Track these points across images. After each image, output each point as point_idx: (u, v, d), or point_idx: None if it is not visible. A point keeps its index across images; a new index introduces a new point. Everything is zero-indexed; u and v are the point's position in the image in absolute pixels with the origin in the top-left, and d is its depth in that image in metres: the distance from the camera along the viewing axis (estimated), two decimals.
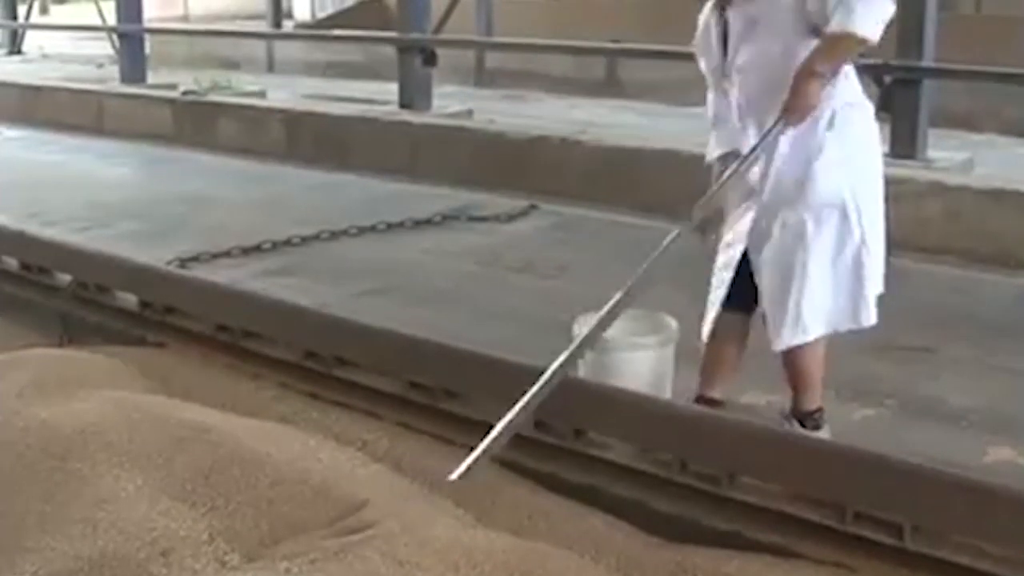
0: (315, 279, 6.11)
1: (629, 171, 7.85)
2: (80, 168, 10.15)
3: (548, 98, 11.28)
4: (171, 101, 11.76)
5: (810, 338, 3.99)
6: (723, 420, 3.60)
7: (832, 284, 3.95)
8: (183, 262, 6.23)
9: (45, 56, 18.63)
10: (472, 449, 3.47)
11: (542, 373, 3.70)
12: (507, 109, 9.88)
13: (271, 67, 16.72)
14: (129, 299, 5.55)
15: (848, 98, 3.92)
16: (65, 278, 6.03)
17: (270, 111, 10.73)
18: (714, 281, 4.17)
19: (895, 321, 5.41)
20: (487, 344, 4.69)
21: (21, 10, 20.10)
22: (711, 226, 4.12)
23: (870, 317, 4.01)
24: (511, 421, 3.54)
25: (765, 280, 4.01)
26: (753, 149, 3.85)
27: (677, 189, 7.45)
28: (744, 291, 4.06)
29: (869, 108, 4.03)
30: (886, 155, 7.23)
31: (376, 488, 3.48)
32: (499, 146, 8.47)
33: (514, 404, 3.57)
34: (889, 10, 3.66)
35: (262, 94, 11.85)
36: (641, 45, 10.60)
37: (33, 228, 6.93)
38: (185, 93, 11.80)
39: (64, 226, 7.41)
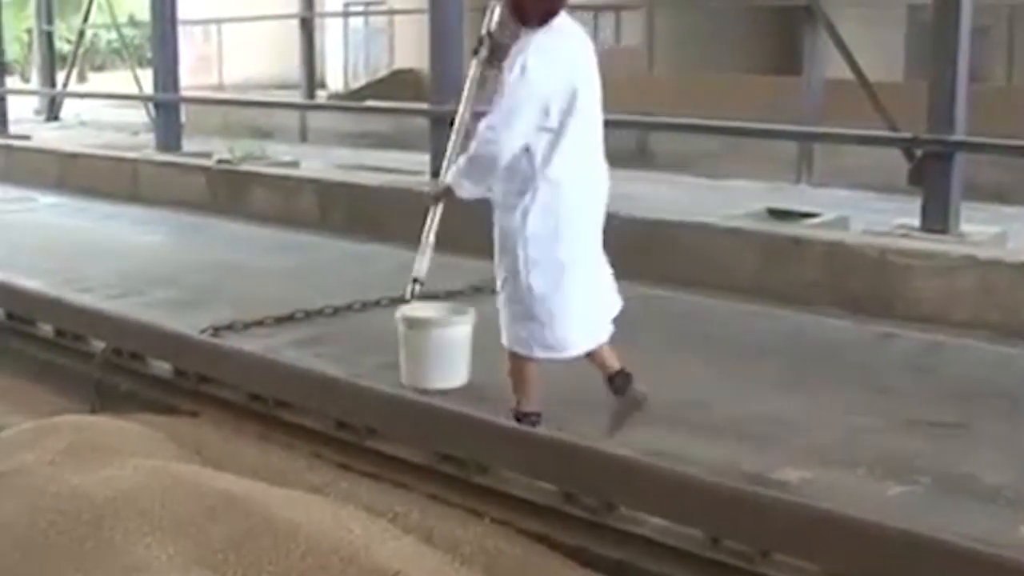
0: (347, 349, 6.13)
1: (662, 243, 7.86)
2: (115, 235, 10.24)
3: None
4: (205, 169, 11.87)
5: None
6: (757, 496, 3.57)
7: None
8: (216, 330, 6.26)
9: (82, 123, 18.85)
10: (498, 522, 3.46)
11: (571, 447, 3.73)
12: None
13: (304, 136, 16.87)
14: (163, 367, 5.58)
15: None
16: (99, 345, 6.07)
17: (303, 181, 10.82)
18: None
19: (927, 396, 5.43)
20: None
21: (59, 77, 20.39)
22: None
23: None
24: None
25: None
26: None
27: (707, 261, 7.55)
28: None
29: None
30: (917, 229, 7.28)
31: (407, 560, 3.47)
32: None
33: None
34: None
35: (295, 164, 11.95)
36: (672, 119, 10.66)
37: (68, 294, 6.99)
38: (219, 162, 11.91)
39: (99, 293, 7.46)
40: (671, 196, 9.55)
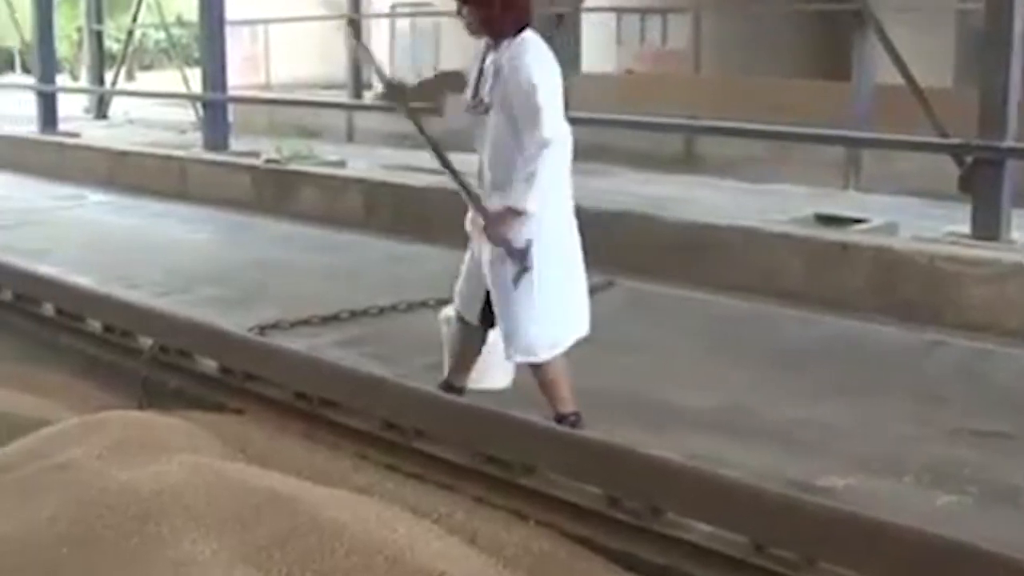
0: (392, 350, 6.13)
1: (708, 248, 7.83)
2: (162, 233, 10.30)
3: (624, 172, 11.29)
4: (253, 168, 11.92)
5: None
6: (804, 503, 3.55)
7: None
8: (263, 329, 6.28)
9: (130, 121, 18.97)
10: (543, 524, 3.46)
11: (617, 448, 3.73)
12: (584, 183, 9.83)
13: (350, 136, 16.91)
14: (210, 365, 5.61)
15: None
16: (147, 342, 6.11)
17: (349, 180, 10.85)
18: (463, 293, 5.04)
19: (975, 404, 5.38)
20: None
21: (108, 76, 20.55)
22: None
23: None
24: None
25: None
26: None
27: (754, 266, 7.51)
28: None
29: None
30: (967, 236, 7.22)
31: (451, 561, 3.47)
32: (577, 220, 8.48)
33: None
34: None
35: (342, 163, 11.98)
36: (718, 122, 10.62)
37: (117, 291, 7.04)
38: (267, 161, 11.97)
39: (146, 290, 7.51)
40: (717, 200, 9.50)
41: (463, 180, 4.88)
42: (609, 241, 8.24)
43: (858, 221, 8.17)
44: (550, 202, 4.72)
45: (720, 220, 8.12)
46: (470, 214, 4.95)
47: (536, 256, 4.73)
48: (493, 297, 4.85)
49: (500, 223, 4.68)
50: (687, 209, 8.65)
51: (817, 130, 9.57)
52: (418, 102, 5.07)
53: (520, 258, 4.71)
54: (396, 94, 5.04)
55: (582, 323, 4.98)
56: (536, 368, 4.88)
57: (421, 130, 4.99)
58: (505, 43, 4.74)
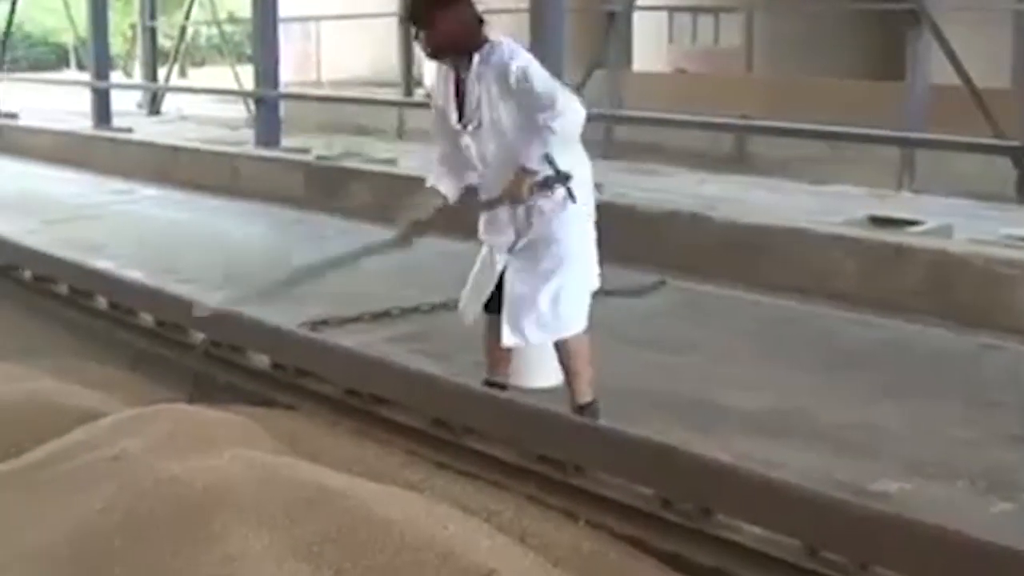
0: (443, 347, 6.14)
1: (760, 249, 7.79)
2: (214, 228, 10.37)
3: (676, 172, 11.25)
4: (304, 165, 11.98)
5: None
6: (856, 507, 3.51)
7: None
8: (314, 325, 6.30)
9: (183, 117, 19.12)
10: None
11: (667, 449, 3.72)
12: (635, 182, 9.85)
13: (401, 134, 16.96)
14: (261, 360, 5.63)
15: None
16: (198, 336, 6.14)
17: (401, 178, 10.86)
18: (473, 287, 5.12)
19: None
20: (610, 419, 4.68)
21: (161, 72, 20.72)
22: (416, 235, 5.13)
23: None
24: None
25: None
26: (489, 203, 4.86)
27: (807, 267, 7.46)
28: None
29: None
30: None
31: (502, 560, 3.46)
32: (629, 220, 8.45)
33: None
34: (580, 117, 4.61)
35: (393, 161, 12.01)
36: (771, 122, 10.56)
37: (169, 285, 7.08)
38: (318, 157, 12.01)
39: (198, 284, 7.55)
40: (770, 200, 9.44)
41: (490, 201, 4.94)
42: (660, 241, 8.24)
43: (912, 223, 8.09)
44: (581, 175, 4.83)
45: (773, 221, 8.08)
46: (482, 221, 5.04)
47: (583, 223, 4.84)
48: (538, 276, 4.85)
49: (520, 182, 4.71)
50: (739, 209, 8.61)
51: (871, 131, 9.49)
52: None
53: (557, 181, 4.72)
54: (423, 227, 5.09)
55: None
56: (570, 344, 4.88)
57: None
58: (475, 57, 4.72)
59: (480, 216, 4.99)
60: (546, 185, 4.72)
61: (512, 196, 4.75)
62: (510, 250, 4.88)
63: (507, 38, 4.77)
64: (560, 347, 4.93)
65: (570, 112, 4.59)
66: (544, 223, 4.79)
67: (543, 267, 4.81)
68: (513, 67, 4.62)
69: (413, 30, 4.83)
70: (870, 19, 17.12)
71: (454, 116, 4.85)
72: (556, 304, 4.82)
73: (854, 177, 10.71)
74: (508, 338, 4.90)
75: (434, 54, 4.82)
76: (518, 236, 4.85)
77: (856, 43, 18.18)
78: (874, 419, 5.16)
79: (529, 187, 4.70)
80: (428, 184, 5.08)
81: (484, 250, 5.06)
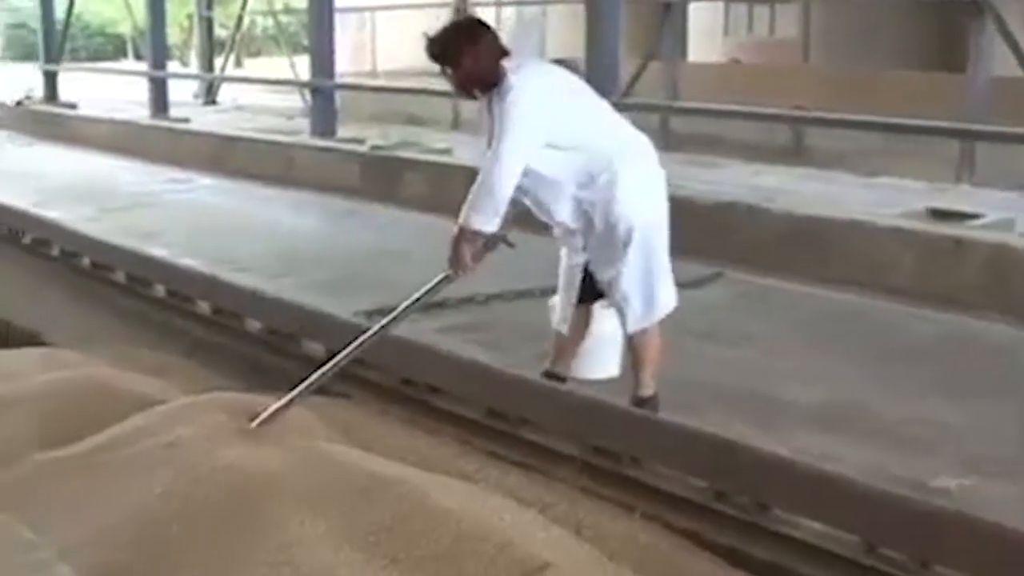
0: (498, 338, 6.13)
1: (817, 241, 7.72)
2: (270, 217, 10.42)
3: (732, 164, 11.18)
4: (359, 155, 12.01)
5: None
6: (917, 503, 3.47)
7: None
8: (368, 314, 6.30)
9: (239, 107, 19.23)
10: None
11: (724, 442, 3.68)
12: (692, 174, 9.78)
13: (456, 125, 16.96)
14: (316, 348, 5.65)
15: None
16: (255, 324, 6.18)
17: (456, 168, 10.85)
18: (563, 285, 4.99)
19: None
20: (667, 410, 4.66)
21: (217, 62, 20.85)
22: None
23: None
24: (312, 382, 4.48)
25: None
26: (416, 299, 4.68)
27: (865, 261, 7.39)
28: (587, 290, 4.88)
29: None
30: None
31: (557, 552, 3.45)
32: (686, 211, 8.35)
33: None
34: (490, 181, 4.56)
35: (448, 151, 12.01)
36: (828, 114, 10.46)
37: (225, 274, 7.12)
38: (373, 148, 12.04)
39: (254, 273, 7.58)
40: (827, 192, 9.36)
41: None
42: (717, 232, 8.18)
43: (972, 216, 8.00)
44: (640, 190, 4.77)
45: (830, 213, 8.01)
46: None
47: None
48: (617, 267, 4.78)
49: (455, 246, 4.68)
50: (796, 201, 8.54)
51: (931, 122, 9.38)
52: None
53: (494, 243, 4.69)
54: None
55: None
56: (641, 336, 4.83)
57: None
58: (495, 91, 4.68)
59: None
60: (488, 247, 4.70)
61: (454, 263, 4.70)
62: (585, 247, 4.85)
63: (522, 69, 4.69)
64: (631, 337, 4.88)
65: (482, 183, 4.61)
66: (601, 216, 4.75)
67: (619, 252, 4.77)
68: (505, 102, 4.59)
69: (440, 67, 4.82)
70: (929, 9, 16.93)
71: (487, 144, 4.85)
72: (648, 283, 4.77)
73: (912, 170, 10.60)
74: (632, 325, 4.83)
75: (461, 89, 4.84)
76: (586, 235, 4.82)
77: (915, 34, 17.98)
78: (932, 414, 5.10)
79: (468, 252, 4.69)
80: None
81: (563, 254, 5.03)
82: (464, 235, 4.62)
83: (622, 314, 4.82)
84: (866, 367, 5.80)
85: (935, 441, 4.77)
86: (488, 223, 4.60)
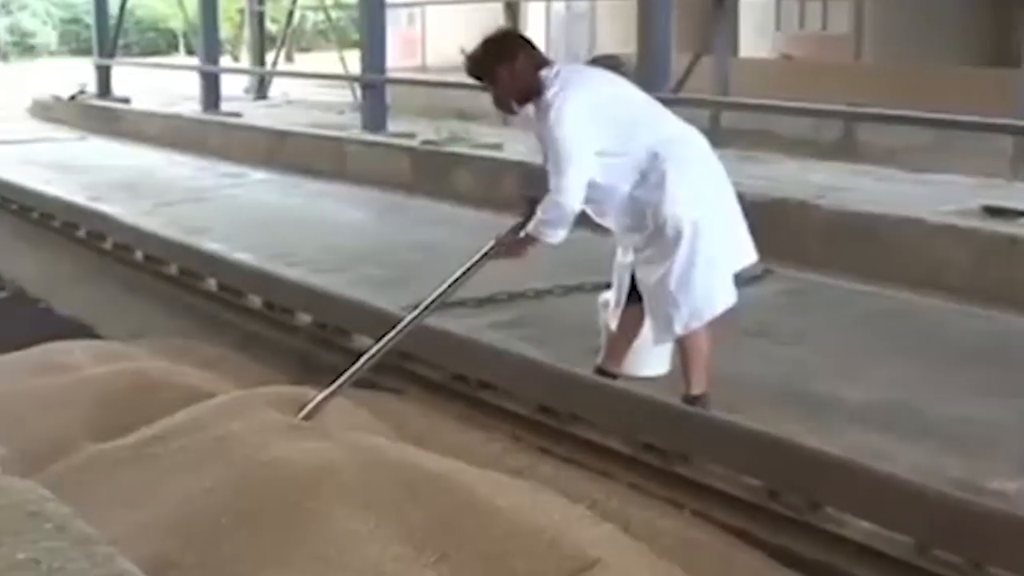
0: (548, 333, 6.11)
1: (869, 238, 7.65)
2: (321, 212, 10.46)
3: (783, 159, 11.10)
4: (410, 150, 12.03)
5: None
6: (973, 505, 3.44)
7: None
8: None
9: (289, 102, 19.31)
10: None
11: (777, 440, 3.65)
12: (742, 169, 9.68)
13: (506, 120, 16.95)
14: (366, 343, 5.66)
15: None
16: (305, 319, 6.20)
17: (507, 163, 10.85)
18: (615, 284, 5.00)
19: None
20: (716, 407, 4.64)
21: (268, 57, 20.96)
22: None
23: None
24: (361, 366, 4.61)
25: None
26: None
27: (918, 258, 7.32)
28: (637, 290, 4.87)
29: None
30: None
31: (607, 548, 3.44)
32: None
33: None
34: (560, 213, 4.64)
35: (499, 146, 12.00)
36: (880, 110, 10.37)
37: (277, 268, 7.16)
38: (424, 142, 12.05)
39: (305, 267, 7.61)
40: (879, 189, 9.26)
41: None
42: (766, 229, 8.09)
43: None
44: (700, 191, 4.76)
45: (882, 210, 7.93)
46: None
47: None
48: (659, 272, 4.74)
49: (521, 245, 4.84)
50: (847, 198, 8.46)
51: (984, 118, 9.28)
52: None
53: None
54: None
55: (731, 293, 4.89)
56: (689, 337, 4.78)
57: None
58: (536, 104, 4.71)
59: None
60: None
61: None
62: (636, 249, 4.83)
63: (559, 81, 4.67)
64: (681, 338, 4.84)
65: (553, 205, 4.65)
66: (652, 215, 4.73)
67: (667, 251, 4.74)
68: (548, 122, 4.62)
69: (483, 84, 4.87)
70: (982, 4, 16.79)
71: (543, 159, 4.85)
72: (694, 283, 4.72)
73: (964, 166, 10.49)
74: (659, 336, 4.82)
75: (501, 104, 4.89)
76: (642, 232, 4.80)
77: (968, 29, 17.82)
78: (986, 415, 5.03)
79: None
80: None
81: (618, 251, 5.03)
82: (531, 241, 4.78)
83: (657, 319, 4.78)
84: (918, 366, 5.75)
85: (989, 442, 4.71)
86: (556, 236, 4.73)
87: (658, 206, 4.65)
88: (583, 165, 4.61)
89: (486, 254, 4.78)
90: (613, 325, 5.02)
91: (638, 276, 4.83)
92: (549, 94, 4.62)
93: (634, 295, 4.90)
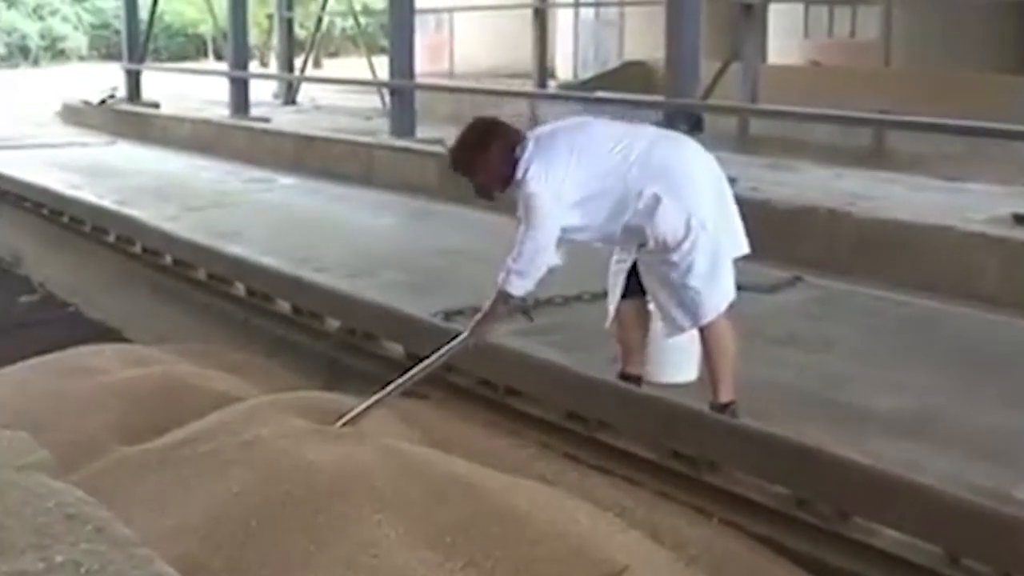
0: (576, 340, 6.10)
1: (899, 246, 7.61)
2: (349, 217, 10.48)
3: (812, 167, 11.06)
4: (438, 156, 12.03)
5: None
6: (998, 515, 3.41)
7: None
8: (448, 315, 6.31)
9: (317, 107, 19.36)
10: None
11: (805, 449, 3.64)
12: (770, 177, 9.71)
13: (534, 126, 16.97)
14: (395, 349, 5.67)
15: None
16: (334, 324, 6.21)
17: None
18: (610, 284, 5.00)
19: None
20: (744, 415, 4.62)
21: (296, 63, 21.03)
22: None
23: None
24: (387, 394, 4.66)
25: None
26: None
27: (948, 266, 7.28)
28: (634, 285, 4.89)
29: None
30: None
31: (634, 555, 3.44)
32: (764, 215, 8.27)
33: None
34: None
35: None
36: (910, 117, 10.33)
37: (305, 273, 7.17)
38: None
39: (333, 273, 7.62)
40: (908, 197, 9.22)
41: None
42: (796, 237, 8.10)
43: None
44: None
45: (911, 217, 7.90)
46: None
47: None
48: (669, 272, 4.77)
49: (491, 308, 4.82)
50: (877, 205, 8.42)
51: (1014, 126, 9.23)
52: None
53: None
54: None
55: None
56: (715, 340, 4.78)
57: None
58: (513, 187, 4.79)
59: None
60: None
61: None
62: (640, 245, 4.84)
63: (530, 154, 4.75)
64: (705, 343, 4.83)
65: (524, 247, 4.71)
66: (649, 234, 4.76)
67: (671, 251, 4.74)
68: (523, 193, 4.71)
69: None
70: (1012, 11, 16.70)
71: None
72: (690, 285, 4.74)
73: (996, 174, 10.44)
74: (671, 330, 4.86)
75: (482, 193, 4.98)
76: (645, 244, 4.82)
77: (997, 36, 17.73)
78: (1016, 424, 5.00)
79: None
80: None
81: (615, 251, 5.03)
82: (500, 297, 4.76)
83: (667, 314, 4.81)
84: (947, 374, 5.72)
85: (1019, 451, 4.68)
86: (522, 289, 4.75)
87: (653, 229, 4.68)
88: (551, 225, 4.69)
89: (457, 344, 4.80)
90: (608, 324, 5.04)
91: (643, 273, 4.85)
92: (519, 173, 4.72)
93: (630, 289, 4.92)
